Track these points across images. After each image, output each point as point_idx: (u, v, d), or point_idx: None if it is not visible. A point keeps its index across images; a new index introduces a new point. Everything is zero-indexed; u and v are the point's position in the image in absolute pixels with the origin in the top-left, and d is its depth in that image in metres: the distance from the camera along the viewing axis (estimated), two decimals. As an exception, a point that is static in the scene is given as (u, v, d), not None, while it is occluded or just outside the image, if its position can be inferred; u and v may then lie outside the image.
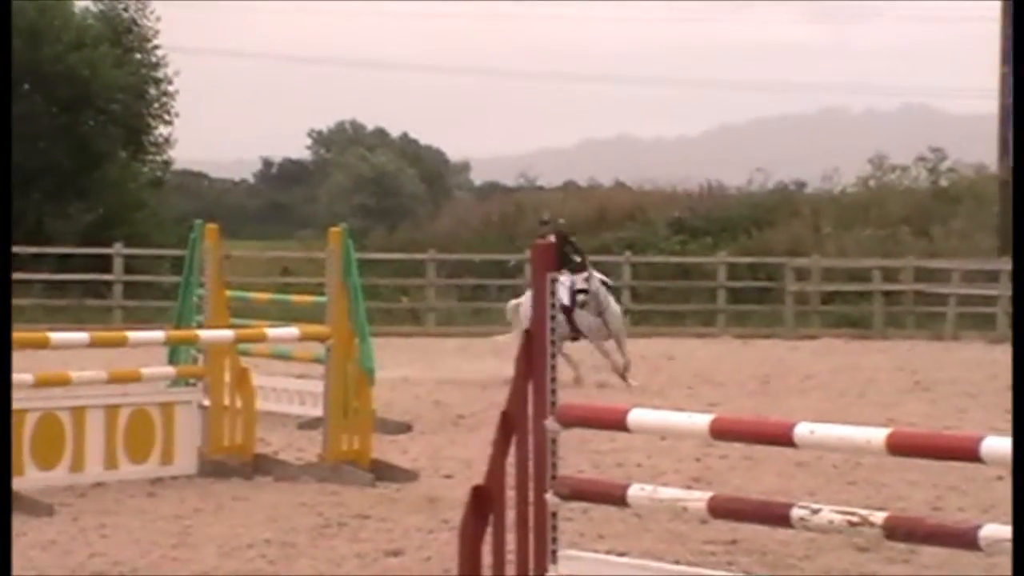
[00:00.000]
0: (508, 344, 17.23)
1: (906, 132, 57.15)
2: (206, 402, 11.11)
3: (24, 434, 9.99)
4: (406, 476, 10.87)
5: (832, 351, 24.35)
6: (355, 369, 11.07)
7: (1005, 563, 5.11)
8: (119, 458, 10.55)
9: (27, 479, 9.82)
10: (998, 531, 5.05)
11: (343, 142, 64.33)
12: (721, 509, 5.82)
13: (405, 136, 64.87)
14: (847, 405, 15.88)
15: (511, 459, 6.20)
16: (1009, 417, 13.06)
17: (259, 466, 11.01)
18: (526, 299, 17.91)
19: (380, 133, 64.61)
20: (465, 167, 67.42)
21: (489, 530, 6.14)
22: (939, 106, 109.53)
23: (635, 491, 6.00)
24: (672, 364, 21.21)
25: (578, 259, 18.05)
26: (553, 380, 6.19)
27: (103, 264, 29.69)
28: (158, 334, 11.98)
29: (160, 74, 38.10)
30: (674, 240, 35.17)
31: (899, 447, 5.30)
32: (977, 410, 15.47)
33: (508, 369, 6.74)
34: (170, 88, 38.14)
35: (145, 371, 11.17)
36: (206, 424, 11.05)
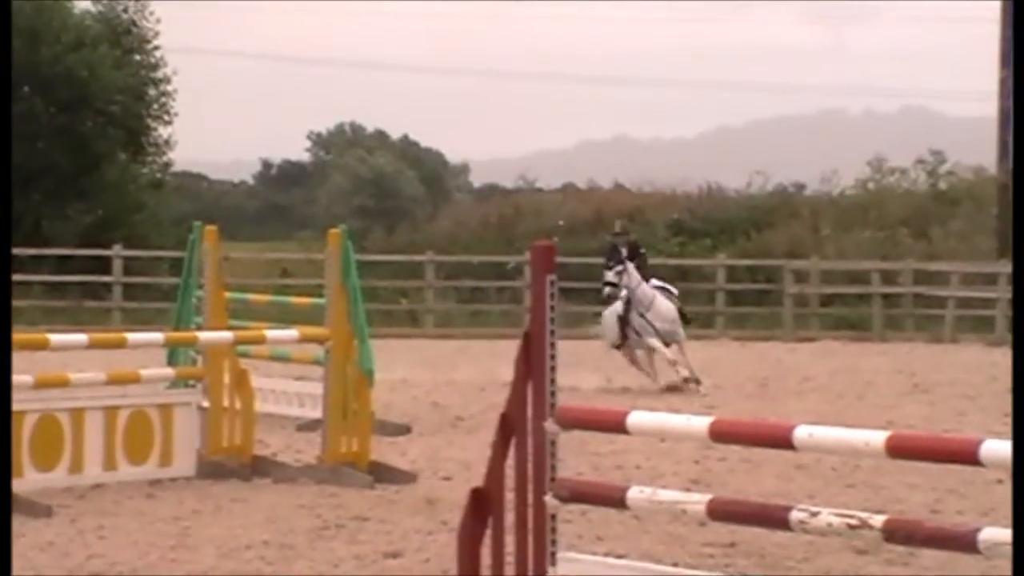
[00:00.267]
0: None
1: (905, 134, 57.15)
2: (205, 404, 11.11)
3: (23, 435, 9.99)
4: (405, 478, 10.87)
5: (831, 353, 24.33)
6: (354, 371, 11.06)
7: (1005, 566, 5.11)
8: (118, 459, 10.55)
9: (26, 480, 9.82)
10: (997, 534, 5.04)
11: (342, 144, 64.32)
12: (720, 511, 5.81)
13: (405, 138, 64.94)
14: (846, 407, 15.85)
15: (510, 461, 6.19)
16: (1008, 420, 13.08)
17: (258, 468, 11.01)
18: (608, 312, 17.97)
19: (380, 135, 64.62)
20: (464, 169, 67.50)
21: (488, 532, 6.14)
22: (938, 108, 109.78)
23: (634, 493, 6.00)
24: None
25: (643, 272, 18.07)
26: (553, 382, 6.19)
27: (102, 265, 29.70)
28: (157, 335, 11.99)
29: (159, 75, 38.08)
30: (673, 242, 35.10)
31: (898, 450, 5.29)
32: (976, 413, 15.45)
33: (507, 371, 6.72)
34: (169, 89, 38.19)
35: (144, 372, 11.19)
36: (205, 426, 11.05)
